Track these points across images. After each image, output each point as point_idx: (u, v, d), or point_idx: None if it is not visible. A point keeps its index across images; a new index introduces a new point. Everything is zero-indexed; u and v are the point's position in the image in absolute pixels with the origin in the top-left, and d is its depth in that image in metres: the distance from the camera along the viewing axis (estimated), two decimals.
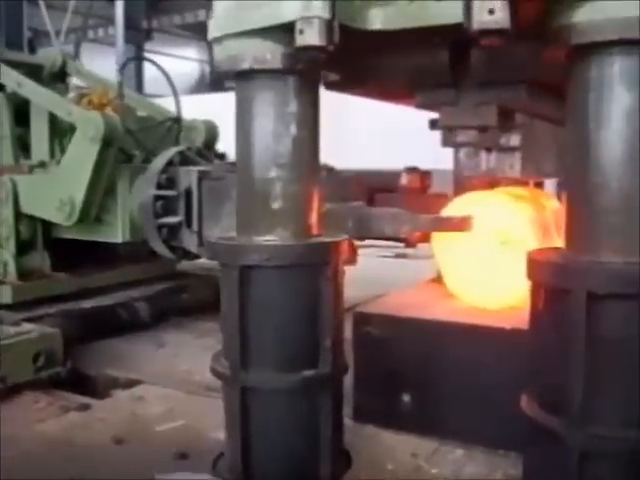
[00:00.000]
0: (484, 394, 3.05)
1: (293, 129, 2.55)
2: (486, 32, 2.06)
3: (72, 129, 4.81)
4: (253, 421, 2.64)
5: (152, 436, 3.34)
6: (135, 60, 16.29)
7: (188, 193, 4.21)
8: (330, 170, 3.99)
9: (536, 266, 2.27)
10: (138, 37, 20.64)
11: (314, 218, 2.67)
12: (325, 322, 2.61)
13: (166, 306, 5.40)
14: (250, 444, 2.64)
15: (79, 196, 4.63)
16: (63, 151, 4.99)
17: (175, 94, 5.08)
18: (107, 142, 4.51)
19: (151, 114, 5.59)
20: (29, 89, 5.03)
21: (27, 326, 4.19)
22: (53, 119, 5.05)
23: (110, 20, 20.35)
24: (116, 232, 4.78)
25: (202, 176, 4.15)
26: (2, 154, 5.27)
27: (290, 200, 2.58)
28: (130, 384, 4.10)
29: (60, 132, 5.10)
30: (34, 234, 5.14)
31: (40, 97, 5.01)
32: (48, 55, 5.95)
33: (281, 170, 2.56)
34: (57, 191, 4.75)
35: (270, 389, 2.65)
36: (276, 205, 2.57)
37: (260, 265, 2.53)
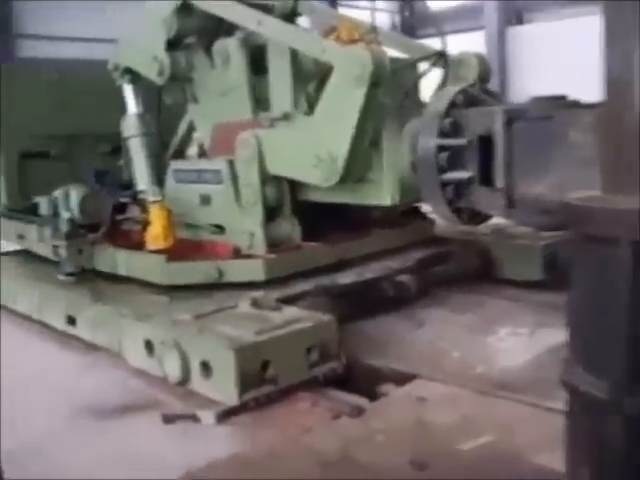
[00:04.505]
0: None
1: None
2: None
3: (318, 73, 4.15)
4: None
5: (459, 459, 2.56)
6: None
7: (484, 140, 3.30)
8: None
9: None
10: None
11: None
12: None
13: (431, 278, 4.57)
14: None
15: (342, 151, 3.87)
16: (308, 100, 4.30)
17: (439, 28, 4.21)
18: (375, 83, 3.73)
19: (407, 53, 4.75)
20: (271, 27, 4.29)
21: (291, 311, 3.52)
22: (295, 63, 4.33)
23: None
24: (384, 193, 4.00)
25: (513, 116, 3.21)
26: (239, 107, 4.65)
27: None
28: (400, 378, 3.31)
29: (303, 78, 4.38)
30: (281, 198, 4.48)
31: (286, 35, 4.28)
32: None
33: None
34: (312, 146, 4.03)
35: None
36: None
37: None
